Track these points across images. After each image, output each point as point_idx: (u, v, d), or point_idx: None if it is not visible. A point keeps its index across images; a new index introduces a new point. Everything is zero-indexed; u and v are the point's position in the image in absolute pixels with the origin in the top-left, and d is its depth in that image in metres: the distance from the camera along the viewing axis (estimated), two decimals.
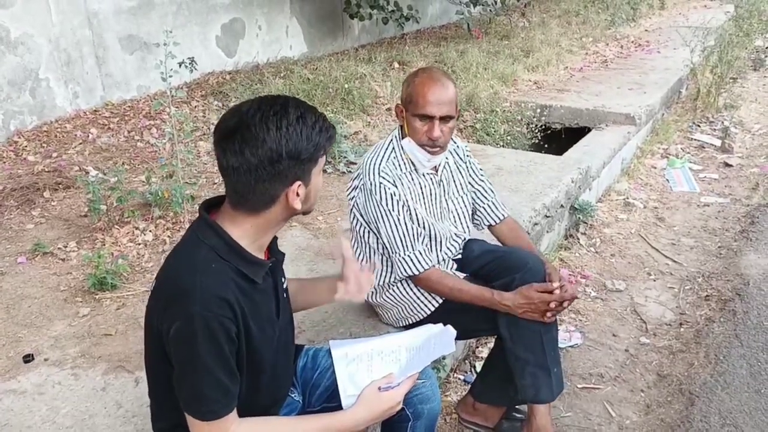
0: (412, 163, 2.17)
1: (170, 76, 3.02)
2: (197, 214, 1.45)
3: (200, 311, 1.29)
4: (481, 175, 2.41)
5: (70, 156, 3.91)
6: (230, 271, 1.36)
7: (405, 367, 1.61)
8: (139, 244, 3.01)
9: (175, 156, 3.25)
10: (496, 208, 2.40)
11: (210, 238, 1.38)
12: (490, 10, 8.09)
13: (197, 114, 4.61)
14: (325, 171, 3.90)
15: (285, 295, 1.61)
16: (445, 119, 2.06)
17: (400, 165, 2.17)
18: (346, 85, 5.23)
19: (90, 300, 2.60)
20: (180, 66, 3.75)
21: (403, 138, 2.16)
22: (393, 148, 2.18)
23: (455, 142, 2.38)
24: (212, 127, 4.43)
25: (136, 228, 3.10)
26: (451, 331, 1.75)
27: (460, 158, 2.37)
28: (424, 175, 2.21)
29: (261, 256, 1.46)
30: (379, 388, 1.53)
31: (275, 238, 1.54)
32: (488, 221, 2.41)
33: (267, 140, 1.31)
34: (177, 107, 4.53)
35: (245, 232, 1.40)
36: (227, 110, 1.40)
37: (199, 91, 4.97)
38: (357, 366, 1.61)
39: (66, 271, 2.81)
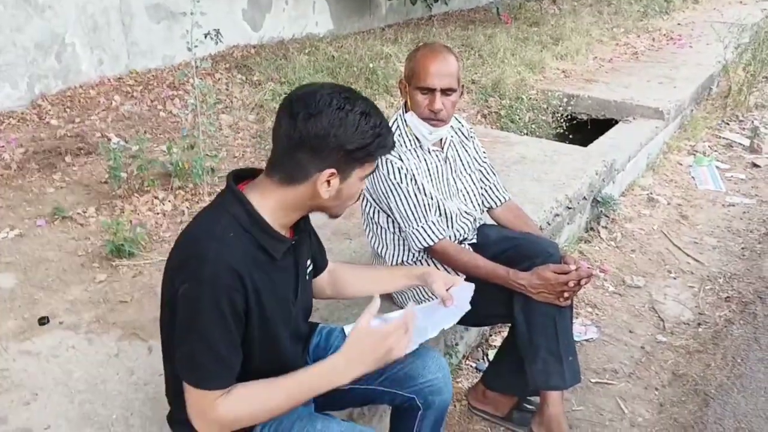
0: (417, 139, 2.17)
1: (195, 47, 3.00)
2: (217, 187, 1.44)
3: (210, 278, 1.27)
4: (484, 155, 2.40)
5: (92, 122, 3.92)
6: (249, 243, 1.34)
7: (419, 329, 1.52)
8: (158, 213, 3.00)
9: (197, 128, 3.24)
10: (498, 190, 2.38)
11: (234, 207, 1.36)
12: None
13: (220, 87, 4.58)
14: None
15: (307, 278, 1.58)
16: (446, 92, 2.06)
17: (405, 142, 2.16)
18: (371, 65, 5.17)
19: (107, 266, 2.61)
20: (205, 37, 3.71)
21: (406, 113, 2.16)
22: (398, 126, 2.18)
23: (459, 121, 2.36)
24: (234, 101, 4.43)
25: (156, 197, 3.10)
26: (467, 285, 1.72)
27: (465, 136, 2.36)
28: (429, 151, 2.20)
29: (284, 233, 1.44)
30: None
31: (304, 219, 1.51)
32: (488, 203, 2.38)
33: (324, 113, 1.31)
34: (201, 78, 4.50)
35: (271, 207, 1.39)
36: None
37: (223, 64, 4.94)
38: None
39: (84, 236, 2.81)
